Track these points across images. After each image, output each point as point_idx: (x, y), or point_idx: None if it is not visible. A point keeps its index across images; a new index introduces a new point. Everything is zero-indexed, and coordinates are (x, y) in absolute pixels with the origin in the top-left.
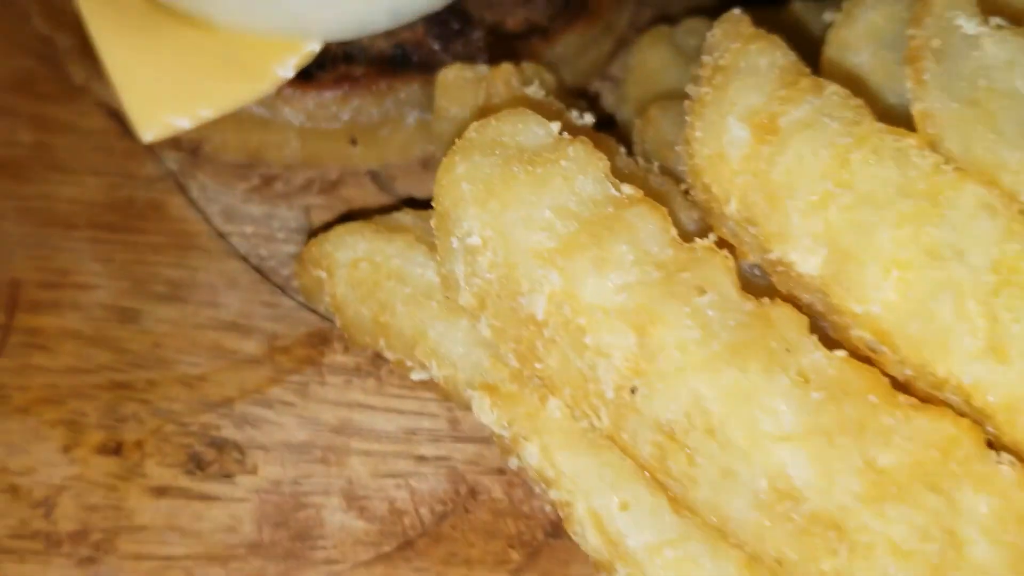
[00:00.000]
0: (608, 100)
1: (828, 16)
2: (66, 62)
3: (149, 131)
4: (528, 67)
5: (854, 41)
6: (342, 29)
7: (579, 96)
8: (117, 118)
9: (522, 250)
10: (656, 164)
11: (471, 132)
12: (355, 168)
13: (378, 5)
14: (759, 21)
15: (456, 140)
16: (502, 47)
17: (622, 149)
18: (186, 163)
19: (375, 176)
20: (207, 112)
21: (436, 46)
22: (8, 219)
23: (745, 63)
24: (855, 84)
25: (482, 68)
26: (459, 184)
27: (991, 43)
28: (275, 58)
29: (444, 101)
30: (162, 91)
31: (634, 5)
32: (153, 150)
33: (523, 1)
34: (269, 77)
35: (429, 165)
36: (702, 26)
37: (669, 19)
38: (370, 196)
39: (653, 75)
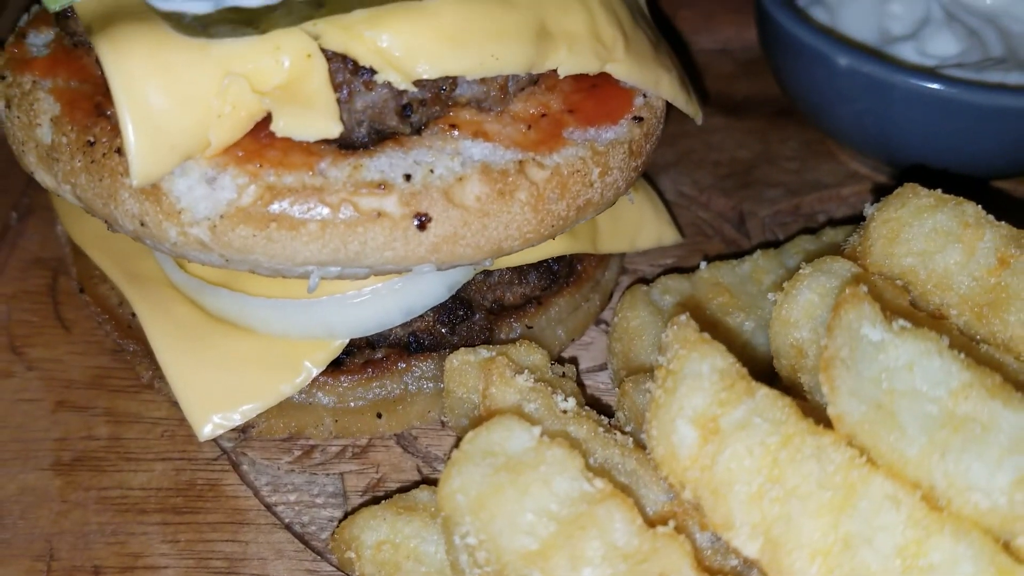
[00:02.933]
0: (602, 345)
1: (771, 296)
2: (133, 363)
3: (205, 430)
4: (520, 350)
5: (794, 319)
6: (364, 328)
7: (567, 361)
8: (178, 407)
9: (509, 551)
10: (631, 440)
11: (465, 443)
12: (382, 435)
13: (393, 307)
14: (727, 275)
15: (454, 450)
16: (502, 318)
17: (601, 429)
18: (238, 442)
19: (400, 439)
20: (254, 407)
21: (444, 330)
22: (89, 509)
23: (689, 368)
24: (798, 357)
25: (483, 352)
26: (455, 495)
27: (893, 347)
28: (309, 355)
29: (452, 384)
30: (214, 393)
31: (619, 261)
32: None
33: (518, 280)
34: (304, 372)
35: (447, 425)
36: (675, 283)
37: (647, 280)
38: (395, 457)
39: (633, 333)
